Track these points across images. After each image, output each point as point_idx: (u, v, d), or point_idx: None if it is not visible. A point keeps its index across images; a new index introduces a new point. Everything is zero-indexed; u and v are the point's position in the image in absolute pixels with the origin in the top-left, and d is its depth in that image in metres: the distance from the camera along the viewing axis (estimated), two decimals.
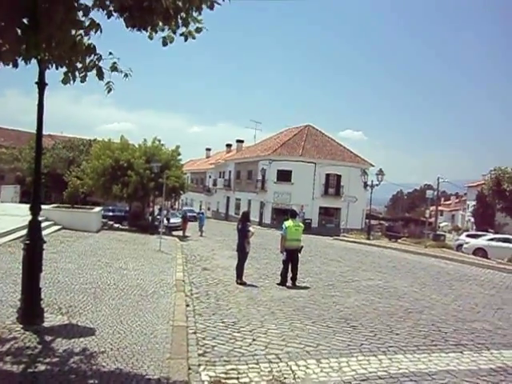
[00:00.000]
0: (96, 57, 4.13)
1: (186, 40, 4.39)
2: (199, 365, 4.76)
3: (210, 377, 4.48)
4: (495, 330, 6.97)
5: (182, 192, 26.90)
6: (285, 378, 4.60)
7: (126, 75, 4.28)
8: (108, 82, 4.16)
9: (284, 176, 38.77)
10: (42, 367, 4.05)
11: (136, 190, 22.47)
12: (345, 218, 34.02)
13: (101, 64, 4.35)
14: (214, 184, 54.55)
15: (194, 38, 4.29)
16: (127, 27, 4.38)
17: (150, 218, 25.60)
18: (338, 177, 39.54)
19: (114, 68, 4.17)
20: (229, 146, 59.95)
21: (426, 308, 8.37)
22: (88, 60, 4.29)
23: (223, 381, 4.42)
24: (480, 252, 20.54)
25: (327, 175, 39.30)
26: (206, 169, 61.14)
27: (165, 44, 4.47)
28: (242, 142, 55.04)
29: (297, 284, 9.98)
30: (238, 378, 4.51)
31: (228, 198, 49.53)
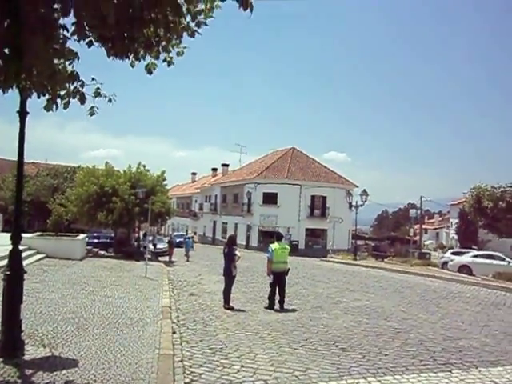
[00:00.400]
0: (79, 83, 4.17)
1: (168, 65, 4.48)
2: None
3: None
4: (482, 348, 6.98)
5: (167, 217, 26.76)
6: None
7: (109, 100, 4.32)
8: (92, 108, 4.19)
9: (270, 199, 38.91)
10: None
11: (121, 216, 22.27)
12: (331, 238, 34.11)
13: (84, 90, 4.40)
14: (200, 208, 54.38)
15: (172, 63, 4.36)
16: (109, 56, 4.44)
17: (136, 243, 25.32)
18: (324, 198, 39.81)
19: (97, 93, 4.21)
20: (214, 170, 60.09)
21: (414, 327, 8.37)
22: (72, 87, 4.34)
23: None
24: (465, 269, 20.74)
25: (312, 197, 39.54)
26: (191, 193, 61.03)
27: (149, 72, 4.53)
28: (227, 165, 55.27)
29: (284, 307, 9.90)
30: None
31: (214, 221, 49.33)
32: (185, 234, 42.00)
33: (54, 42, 3.60)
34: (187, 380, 5.10)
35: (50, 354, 5.36)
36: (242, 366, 5.68)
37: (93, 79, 4.17)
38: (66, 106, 4.16)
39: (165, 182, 26.27)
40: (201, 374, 5.36)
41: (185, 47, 4.49)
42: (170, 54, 4.55)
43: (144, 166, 25.50)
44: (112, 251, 24.12)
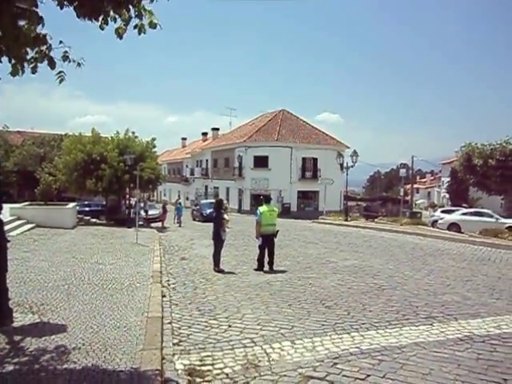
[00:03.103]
0: (46, 47, 4.01)
1: (139, 33, 4.30)
2: (173, 354, 4.78)
3: (185, 365, 4.51)
4: (464, 301, 7.20)
5: (158, 183, 26.71)
6: (259, 361, 4.66)
7: (78, 64, 4.17)
8: (60, 72, 4.05)
9: (261, 162, 38.77)
10: (10, 367, 4.00)
11: (111, 183, 22.15)
12: (323, 200, 34.33)
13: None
14: (192, 173, 54.23)
15: (144, 32, 4.19)
16: (78, 17, 4.27)
17: (127, 211, 25.36)
18: (315, 160, 39.76)
19: (65, 57, 4.06)
20: (205, 134, 59.55)
21: (400, 284, 8.57)
22: (40, 50, 4.17)
23: (198, 368, 4.45)
24: (454, 227, 21.07)
25: (304, 159, 39.45)
26: (182, 158, 60.63)
27: (120, 37, 4.36)
28: (217, 129, 54.77)
29: (274, 268, 10.07)
30: (212, 365, 4.55)
31: (206, 186, 49.35)
32: (209, 200, 35.03)
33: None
34: (175, 341, 5.24)
35: (38, 321, 5.45)
36: (230, 326, 5.83)
37: (60, 42, 4.01)
38: (33, 71, 4.02)
39: (154, 149, 26.03)
40: (189, 334, 5.50)
41: (159, 23, 4.28)
42: (143, 20, 4.37)
43: (133, 133, 25.17)
44: (103, 219, 24.18)
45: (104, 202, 26.45)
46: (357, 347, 5.05)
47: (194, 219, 30.30)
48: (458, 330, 5.70)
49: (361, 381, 4.15)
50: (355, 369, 4.41)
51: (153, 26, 4.23)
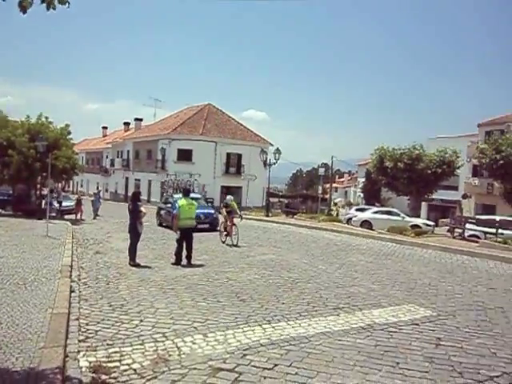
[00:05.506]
0: None
1: (48, 9, 3.99)
2: (78, 351, 4.56)
3: (90, 362, 4.32)
4: (368, 293, 7.71)
5: (74, 173, 25.25)
6: (170, 355, 4.60)
7: None
8: None
9: (184, 155, 38.20)
10: None
11: (19, 170, 20.53)
12: (246, 196, 34.73)
13: None
14: (112, 164, 51.96)
15: (54, 8, 3.90)
16: None
17: (38, 201, 23.64)
18: (239, 156, 40.03)
19: None
20: (127, 124, 57.24)
21: (312, 277, 8.95)
22: None
23: (104, 365, 4.29)
24: (366, 224, 22.50)
25: (228, 154, 39.55)
26: (102, 148, 57.83)
27: (23, 9, 4.01)
28: (140, 120, 52.92)
29: (192, 262, 10.00)
30: (120, 361, 4.41)
31: (127, 178, 47.56)
32: (198, 195, 28.99)
33: None
34: (82, 337, 5.00)
35: None
36: (141, 321, 5.69)
37: None
38: None
39: (70, 136, 24.52)
40: (97, 330, 5.27)
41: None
42: None
43: (46, 118, 23.49)
44: (10, 209, 22.34)
45: (11, 191, 24.42)
46: (267, 338, 5.19)
47: (161, 224, 18.98)
48: (361, 319, 6.09)
49: (268, 370, 4.27)
50: (264, 359, 4.53)
51: (63, 2, 3.95)
